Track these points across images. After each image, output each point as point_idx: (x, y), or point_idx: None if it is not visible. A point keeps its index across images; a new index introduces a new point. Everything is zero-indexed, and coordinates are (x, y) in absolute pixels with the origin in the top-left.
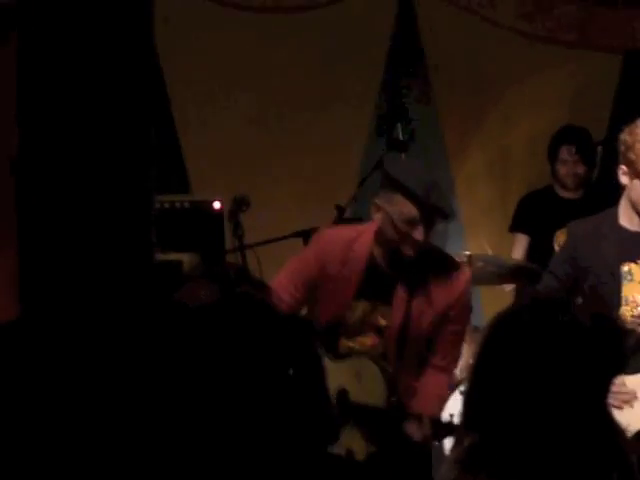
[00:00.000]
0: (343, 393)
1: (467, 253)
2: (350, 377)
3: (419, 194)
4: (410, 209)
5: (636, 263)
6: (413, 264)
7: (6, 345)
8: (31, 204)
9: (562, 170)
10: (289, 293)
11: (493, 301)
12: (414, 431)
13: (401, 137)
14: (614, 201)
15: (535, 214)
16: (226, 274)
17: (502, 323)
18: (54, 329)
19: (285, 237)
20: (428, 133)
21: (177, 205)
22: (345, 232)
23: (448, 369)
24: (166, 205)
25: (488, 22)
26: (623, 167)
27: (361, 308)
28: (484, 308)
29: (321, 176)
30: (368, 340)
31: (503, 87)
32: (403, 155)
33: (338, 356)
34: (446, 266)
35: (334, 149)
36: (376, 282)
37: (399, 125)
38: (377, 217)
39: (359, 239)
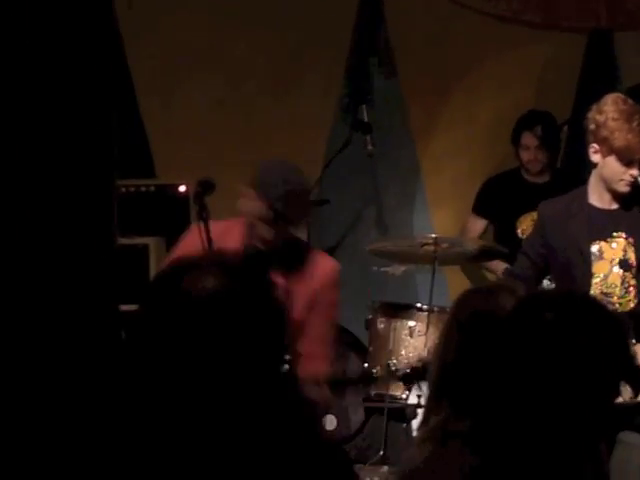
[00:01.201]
0: None
1: (433, 235)
2: None
3: (267, 196)
4: (258, 207)
5: (606, 241)
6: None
7: None
8: None
9: (524, 156)
10: None
11: (458, 281)
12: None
13: (366, 119)
14: (581, 182)
15: (499, 198)
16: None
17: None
18: (12, 318)
19: None
20: (393, 114)
21: (142, 189)
22: (218, 225)
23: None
24: (131, 189)
25: (454, 2)
26: (595, 145)
27: None
28: (449, 289)
29: (287, 158)
30: None
31: (468, 67)
32: (368, 137)
33: None
34: (311, 256)
35: (299, 132)
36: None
37: (364, 107)
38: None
39: (232, 229)
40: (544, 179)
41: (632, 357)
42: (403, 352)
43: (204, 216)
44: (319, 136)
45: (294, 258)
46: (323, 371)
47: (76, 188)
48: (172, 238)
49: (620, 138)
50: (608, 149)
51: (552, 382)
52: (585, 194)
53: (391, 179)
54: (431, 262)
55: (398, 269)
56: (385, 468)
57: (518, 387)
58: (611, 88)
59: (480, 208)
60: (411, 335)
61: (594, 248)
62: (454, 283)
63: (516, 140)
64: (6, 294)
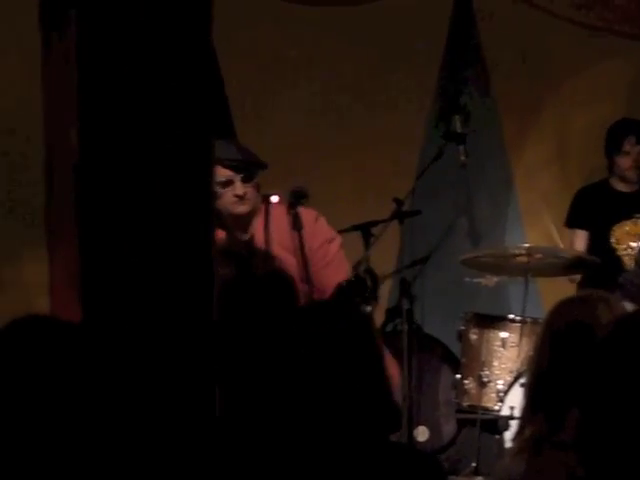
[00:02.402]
0: None
1: (526, 245)
2: None
3: (221, 157)
4: (220, 172)
5: None
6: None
7: (68, 344)
8: (90, 203)
9: (625, 163)
10: None
11: (552, 293)
12: None
13: (458, 129)
14: None
15: (591, 208)
16: (237, 250)
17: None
18: (114, 330)
19: (344, 230)
20: (486, 125)
21: None
22: None
23: None
24: None
25: (545, 13)
26: None
27: None
28: (543, 300)
29: (379, 169)
30: None
31: (561, 79)
32: (461, 148)
33: None
34: (287, 212)
35: (392, 143)
36: (240, 264)
37: (456, 117)
38: None
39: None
40: (634, 188)
41: None
42: (496, 363)
43: (298, 226)
44: (412, 148)
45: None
46: None
47: (176, 204)
48: None
49: None
50: None
51: None
52: None
53: (484, 190)
54: (524, 273)
55: (491, 280)
56: (478, 479)
57: (620, 401)
58: None
59: (574, 220)
60: (504, 346)
61: None
62: (547, 294)
63: (616, 147)
64: (106, 309)
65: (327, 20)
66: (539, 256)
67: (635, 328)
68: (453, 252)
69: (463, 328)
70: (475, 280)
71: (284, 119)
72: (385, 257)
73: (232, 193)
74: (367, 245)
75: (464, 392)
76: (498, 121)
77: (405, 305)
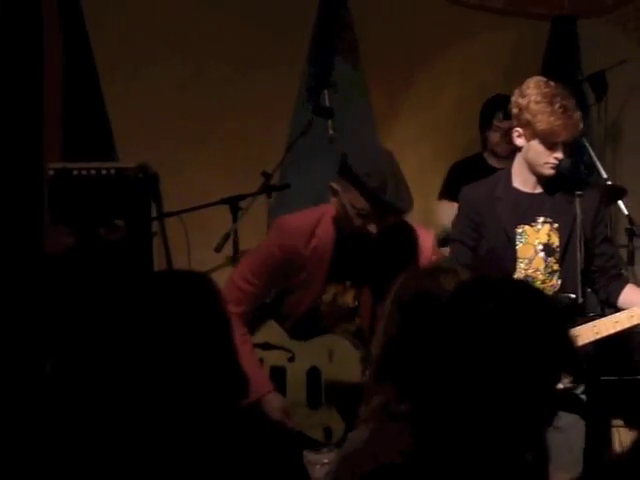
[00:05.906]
0: (314, 372)
1: None
2: (322, 356)
3: (373, 192)
4: (363, 204)
5: (530, 225)
6: (377, 241)
7: None
8: None
9: (494, 137)
10: (251, 284)
11: None
12: None
13: (327, 104)
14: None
15: (465, 181)
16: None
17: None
18: None
19: (212, 204)
20: (356, 99)
21: (103, 172)
22: (306, 219)
23: None
24: (92, 172)
25: None
26: (518, 129)
27: (332, 291)
28: None
29: (248, 143)
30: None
31: (432, 54)
32: (329, 122)
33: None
34: (408, 234)
35: (262, 116)
36: (343, 263)
37: (326, 92)
38: (333, 201)
39: (320, 224)
40: (505, 163)
41: (572, 347)
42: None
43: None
44: (281, 120)
45: (399, 237)
46: None
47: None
48: (131, 222)
49: (543, 121)
50: (532, 132)
51: (492, 370)
52: (509, 178)
53: None
54: None
55: None
56: (336, 451)
57: (458, 373)
58: (573, 75)
59: (447, 192)
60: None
61: (519, 232)
62: None
63: (487, 122)
64: None
65: None
66: None
67: (469, 300)
68: None
69: None
70: None
71: (153, 89)
72: (253, 230)
73: (362, 224)
74: (235, 218)
75: None
76: (368, 95)
77: None
